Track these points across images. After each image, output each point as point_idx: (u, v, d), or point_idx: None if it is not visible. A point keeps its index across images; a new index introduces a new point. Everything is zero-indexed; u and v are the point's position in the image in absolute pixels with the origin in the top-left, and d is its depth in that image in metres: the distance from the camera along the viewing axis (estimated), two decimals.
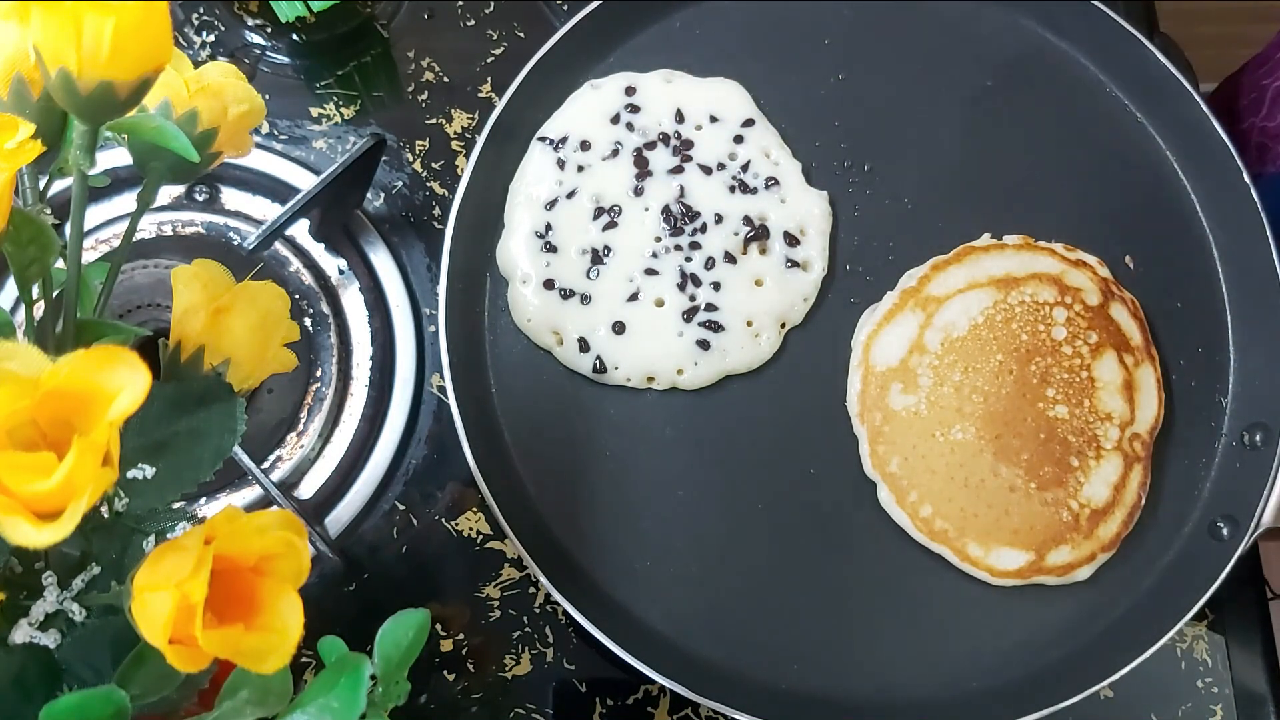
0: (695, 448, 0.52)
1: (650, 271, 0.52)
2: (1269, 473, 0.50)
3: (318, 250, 0.58)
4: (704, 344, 0.52)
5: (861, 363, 0.52)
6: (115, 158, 0.54)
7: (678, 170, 0.53)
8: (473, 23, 0.63)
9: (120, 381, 0.23)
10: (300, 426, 0.55)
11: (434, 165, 0.60)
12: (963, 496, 0.49)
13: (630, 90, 0.55)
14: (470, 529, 0.55)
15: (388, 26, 0.63)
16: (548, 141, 0.54)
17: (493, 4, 0.63)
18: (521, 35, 0.62)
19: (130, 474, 0.29)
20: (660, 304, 0.52)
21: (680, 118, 0.54)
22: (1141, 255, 0.55)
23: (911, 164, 0.56)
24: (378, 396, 0.56)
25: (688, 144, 0.54)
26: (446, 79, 0.62)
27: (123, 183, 0.56)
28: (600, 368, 0.51)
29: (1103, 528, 0.50)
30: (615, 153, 0.54)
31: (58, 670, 0.28)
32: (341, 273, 0.58)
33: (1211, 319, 0.55)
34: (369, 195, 0.59)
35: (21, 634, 0.27)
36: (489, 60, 0.62)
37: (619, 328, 0.52)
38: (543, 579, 0.47)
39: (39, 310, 0.31)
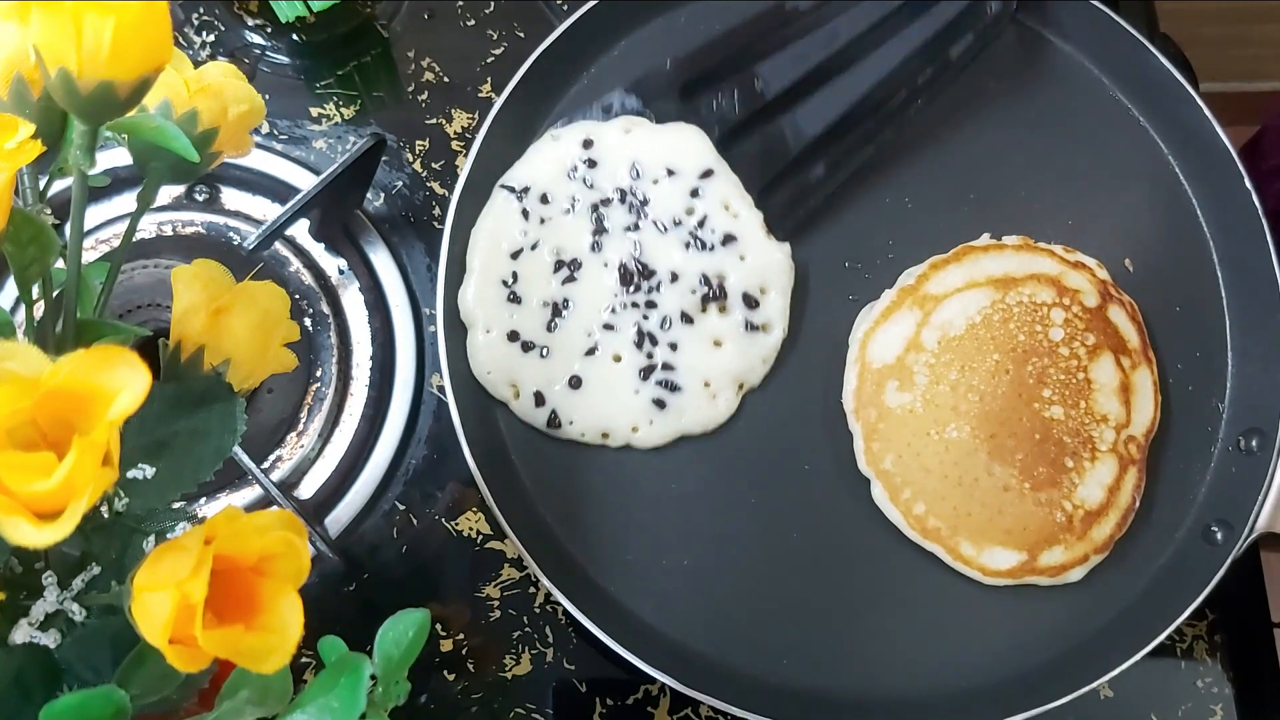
0: (692, 444, 0.52)
1: (608, 327, 0.51)
2: (1264, 478, 0.50)
3: (318, 250, 0.58)
4: (660, 403, 0.51)
5: (858, 359, 0.52)
6: (115, 158, 0.54)
7: (634, 228, 0.52)
8: (473, 23, 0.63)
9: (120, 381, 0.23)
10: (300, 426, 0.55)
11: (434, 165, 0.60)
12: (956, 495, 0.49)
13: (588, 143, 0.53)
14: (470, 529, 0.55)
15: (388, 26, 0.63)
16: (511, 190, 0.53)
17: (493, 4, 0.63)
18: (521, 35, 0.63)
19: (130, 474, 0.29)
20: (618, 359, 0.51)
21: (636, 173, 0.52)
22: (1141, 258, 0.55)
23: (912, 162, 0.56)
24: (378, 396, 0.56)
25: (644, 200, 0.52)
26: (446, 79, 0.62)
27: (123, 183, 0.56)
28: (555, 422, 0.51)
29: (1096, 529, 0.50)
30: (573, 208, 0.52)
31: (58, 670, 0.28)
32: (341, 273, 0.58)
33: (1210, 323, 0.54)
34: (369, 195, 0.59)
35: (21, 634, 0.27)
36: (489, 60, 0.62)
37: (575, 382, 0.51)
38: (542, 577, 0.47)
39: (39, 310, 0.31)
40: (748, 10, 0.55)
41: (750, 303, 0.52)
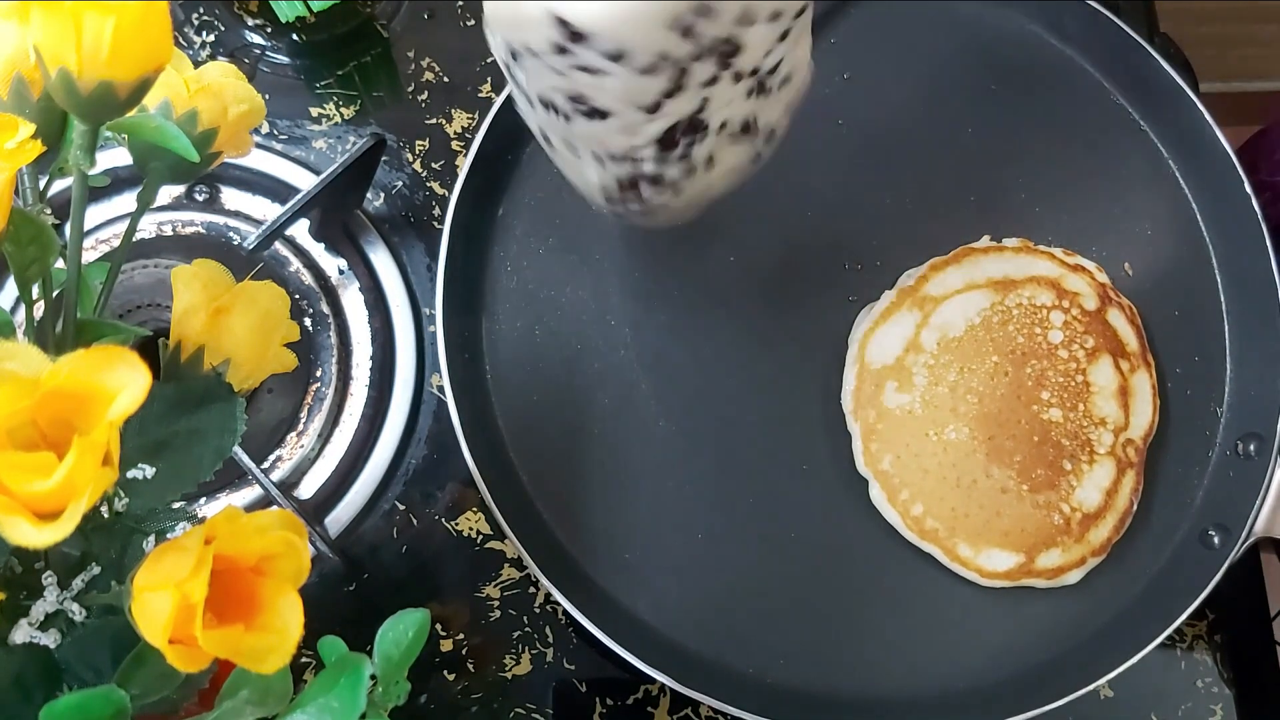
0: (689, 441, 0.52)
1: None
2: (1262, 482, 0.50)
3: (318, 250, 0.58)
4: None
5: (857, 360, 0.52)
6: (115, 158, 0.54)
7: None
8: (473, 23, 0.63)
9: (120, 381, 0.23)
10: (300, 426, 0.55)
11: (434, 165, 0.60)
12: (954, 496, 0.49)
13: None
14: (470, 529, 0.55)
15: (388, 26, 0.63)
16: None
17: None
18: None
19: (130, 474, 0.29)
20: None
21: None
22: (1140, 262, 0.55)
23: (913, 164, 0.56)
24: (378, 396, 0.56)
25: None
26: (446, 79, 0.62)
27: (123, 183, 0.56)
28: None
29: (1094, 532, 0.50)
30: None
31: (58, 670, 0.28)
32: (341, 273, 0.58)
33: (1209, 327, 0.55)
34: (369, 195, 0.59)
35: (21, 634, 0.27)
36: (489, 60, 0.62)
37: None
38: (541, 577, 0.47)
39: (39, 310, 0.31)
40: None
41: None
